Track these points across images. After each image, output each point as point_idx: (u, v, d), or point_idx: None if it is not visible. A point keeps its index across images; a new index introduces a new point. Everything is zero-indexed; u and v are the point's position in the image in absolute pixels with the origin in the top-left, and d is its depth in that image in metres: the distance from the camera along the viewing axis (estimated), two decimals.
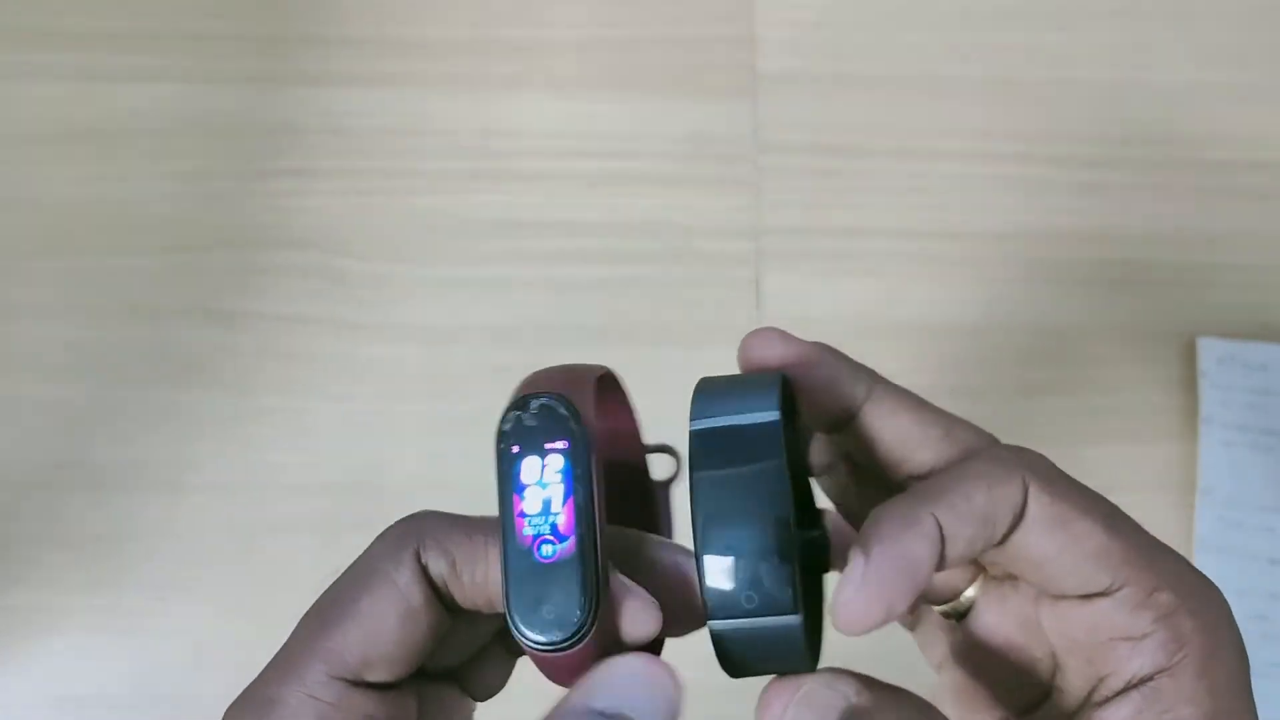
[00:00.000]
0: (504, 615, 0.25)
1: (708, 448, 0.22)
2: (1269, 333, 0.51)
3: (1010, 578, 0.26)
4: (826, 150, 0.53)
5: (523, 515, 0.22)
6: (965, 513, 0.23)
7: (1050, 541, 0.23)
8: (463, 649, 0.26)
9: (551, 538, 0.22)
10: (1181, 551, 0.24)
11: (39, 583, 0.47)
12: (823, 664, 0.24)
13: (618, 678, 0.22)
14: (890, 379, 0.26)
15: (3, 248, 0.51)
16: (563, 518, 0.22)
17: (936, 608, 0.27)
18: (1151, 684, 0.22)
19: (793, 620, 0.22)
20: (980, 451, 0.24)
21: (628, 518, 0.28)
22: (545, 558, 0.22)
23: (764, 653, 0.23)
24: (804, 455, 0.28)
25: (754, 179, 0.53)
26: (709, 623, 0.22)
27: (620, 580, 0.23)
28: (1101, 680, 0.23)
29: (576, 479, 0.22)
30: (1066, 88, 0.54)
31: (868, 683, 0.22)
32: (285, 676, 0.23)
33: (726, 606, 0.22)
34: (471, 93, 0.54)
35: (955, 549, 0.23)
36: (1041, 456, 0.24)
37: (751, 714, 0.25)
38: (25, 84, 0.53)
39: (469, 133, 0.53)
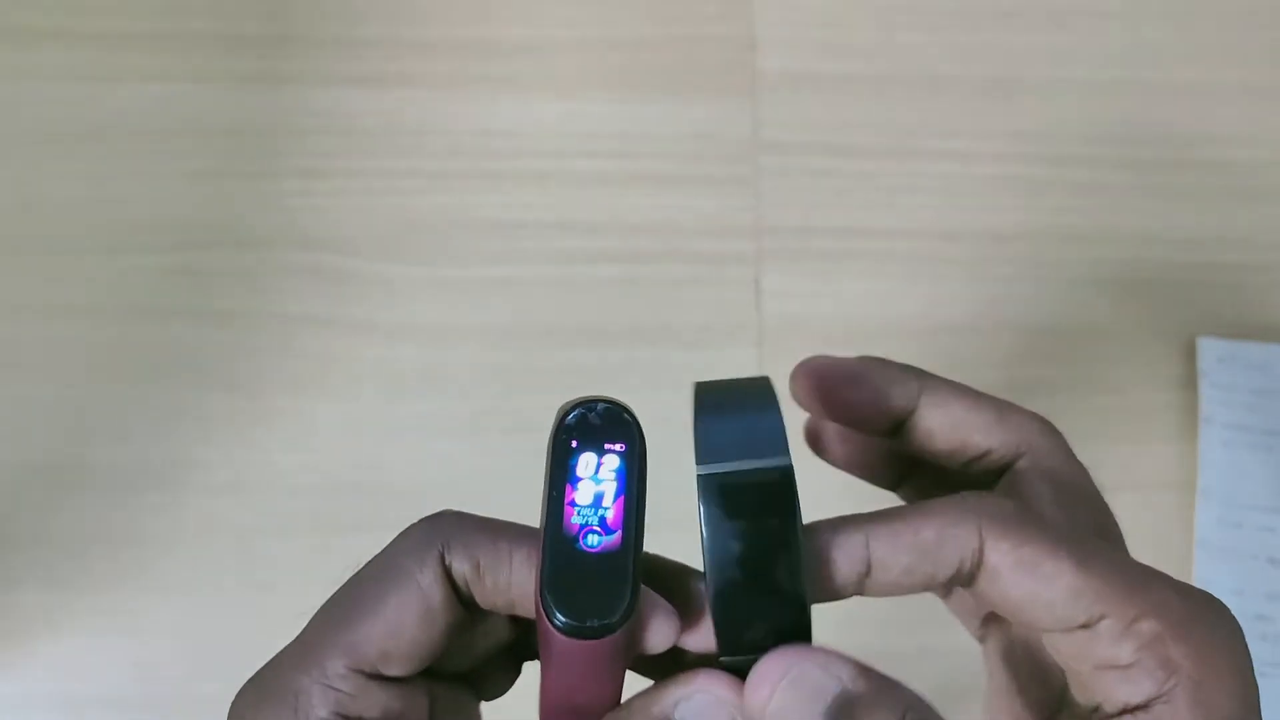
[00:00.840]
0: (514, 620, 0.26)
1: (719, 498, 0.22)
2: (1269, 333, 0.51)
3: None
4: (826, 150, 0.53)
5: (573, 504, 0.22)
6: (908, 544, 0.23)
7: (1017, 586, 0.23)
8: (476, 652, 0.26)
9: (599, 529, 0.22)
10: (1181, 551, 0.24)
11: (39, 583, 0.47)
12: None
13: (698, 694, 0.22)
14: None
15: (3, 248, 0.51)
16: (612, 513, 0.22)
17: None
18: (1148, 711, 0.22)
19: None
20: (946, 497, 0.24)
21: None
22: (590, 547, 0.22)
23: None
24: None
25: (754, 179, 0.53)
26: (721, 659, 0.23)
27: (645, 590, 0.24)
28: (1099, 706, 0.23)
29: (630, 479, 0.23)
30: (1066, 88, 0.54)
31: (864, 670, 0.22)
32: (306, 665, 0.23)
33: (737, 645, 0.22)
34: (471, 93, 0.54)
35: (888, 575, 0.23)
36: (1008, 502, 0.24)
37: None
38: (25, 84, 0.53)
39: (469, 133, 0.53)
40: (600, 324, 0.51)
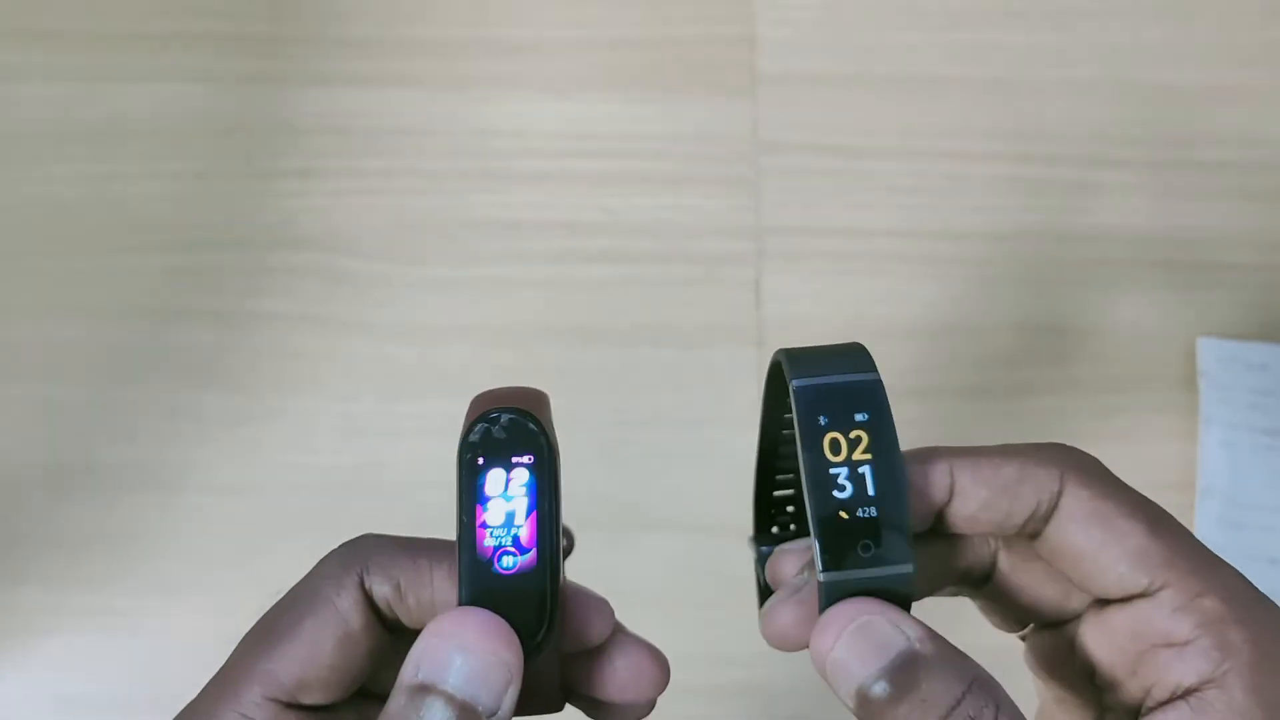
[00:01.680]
0: None
1: (815, 406, 0.23)
2: (1269, 333, 0.51)
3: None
4: (826, 150, 0.53)
5: (485, 526, 0.22)
6: (990, 477, 0.23)
7: (1087, 537, 0.23)
8: None
9: (513, 550, 0.22)
10: None
11: (39, 583, 0.47)
12: None
13: (428, 643, 0.21)
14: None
15: (3, 248, 0.51)
16: (525, 531, 0.22)
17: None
18: (1199, 695, 0.22)
19: (906, 569, 0.22)
20: (1030, 442, 0.24)
21: None
22: (505, 569, 0.22)
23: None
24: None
25: (754, 179, 0.53)
26: (822, 575, 0.22)
27: (570, 584, 0.24)
28: (1147, 692, 0.23)
29: (542, 493, 0.22)
30: (1066, 88, 0.54)
31: (934, 635, 0.22)
32: (222, 695, 0.23)
33: (842, 558, 0.22)
34: (471, 93, 0.54)
35: (967, 506, 0.23)
36: (1092, 457, 0.24)
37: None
38: (25, 84, 0.53)
39: (469, 133, 0.53)
40: (600, 324, 0.51)
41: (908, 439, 0.23)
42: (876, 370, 0.23)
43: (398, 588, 0.23)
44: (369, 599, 0.23)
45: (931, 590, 0.26)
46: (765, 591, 0.30)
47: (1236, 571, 0.23)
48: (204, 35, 0.54)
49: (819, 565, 0.22)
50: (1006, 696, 0.21)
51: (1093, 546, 0.23)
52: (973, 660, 0.22)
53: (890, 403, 0.23)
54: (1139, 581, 0.23)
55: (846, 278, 0.52)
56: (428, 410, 0.50)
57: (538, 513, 0.22)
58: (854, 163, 0.53)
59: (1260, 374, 0.50)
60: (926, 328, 0.51)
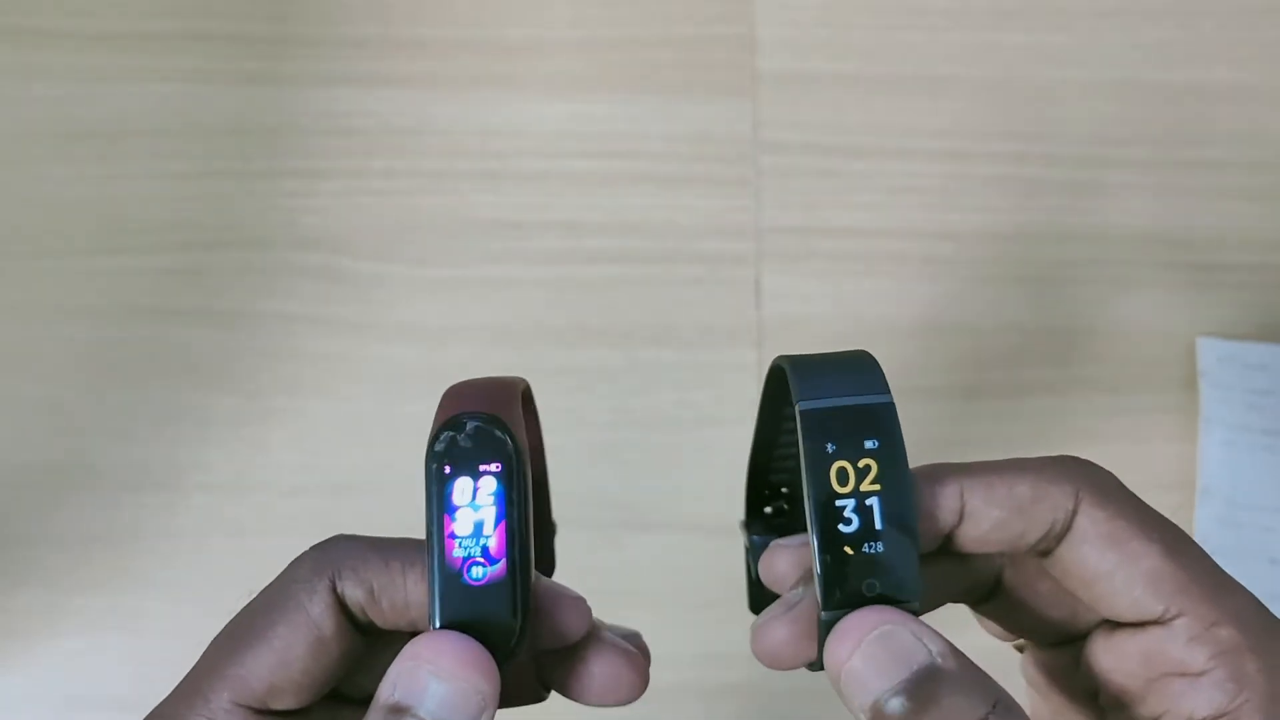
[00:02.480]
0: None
1: (822, 430, 0.22)
2: (1269, 333, 0.51)
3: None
4: (826, 150, 0.53)
5: (453, 537, 0.22)
6: (1003, 498, 0.22)
7: (1101, 559, 0.22)
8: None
9: (482, 560, 0.21)
10: None
11: (39, 583, 0.47)
12: None
13: (404, 665, 0.21)
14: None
15: (3, 248, 0.51)
16: (494, 541, 0.22)
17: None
18: None
19: (913, 608, 0.21)
20: (1045, 456, 0.23)
21: None
22: (475, 580, 0.21)
23: None
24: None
25: (754, 179, 0.53)
26: (823, 613, 0.21)
27: (546, 583, 0.23)
28: (1158, 719, 0.22)
29: (510, 502, 0.22)
30: (1066, 88, 0.54)
31: (956, 651, 0.21)
32: (191, 700, 0.23)
33: (845, 596, 0.21)
34: (471, 93, 0.54)
35: (978, 528, 0.23)
36: (1108, 473, 0.23)
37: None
38: (25, 84, 0.53)
39: (469, 133, 0.53)
40: (600, 324, 0.51)
41: (907, 439, 0.23)
42: (888, 389, 0.22)
43: (370, 591, 0.23)
44: (341, 603, 0.23)
45: (934, 606, 0.25)
46: (755, 582, 0.29)
47: (1251, 596, 0.22)
48: (204, 35, 0.54)
49: (820, 601, 0.21)
50: (1026, 715, 0.21)
51: (1107, 569, 0.22)
52: (995, 681, 0.21)
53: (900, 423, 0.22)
54: (1154, 609, 0.22)
55: (846, 278, 0.52)
56: (428, 410, 0.49)
57: (506, 522, 0.22)
58: (854, 163, 0.53)
59: (1260, 374, 0.50)
60: (926, 328, 0.51)
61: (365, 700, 0.25)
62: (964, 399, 0.50)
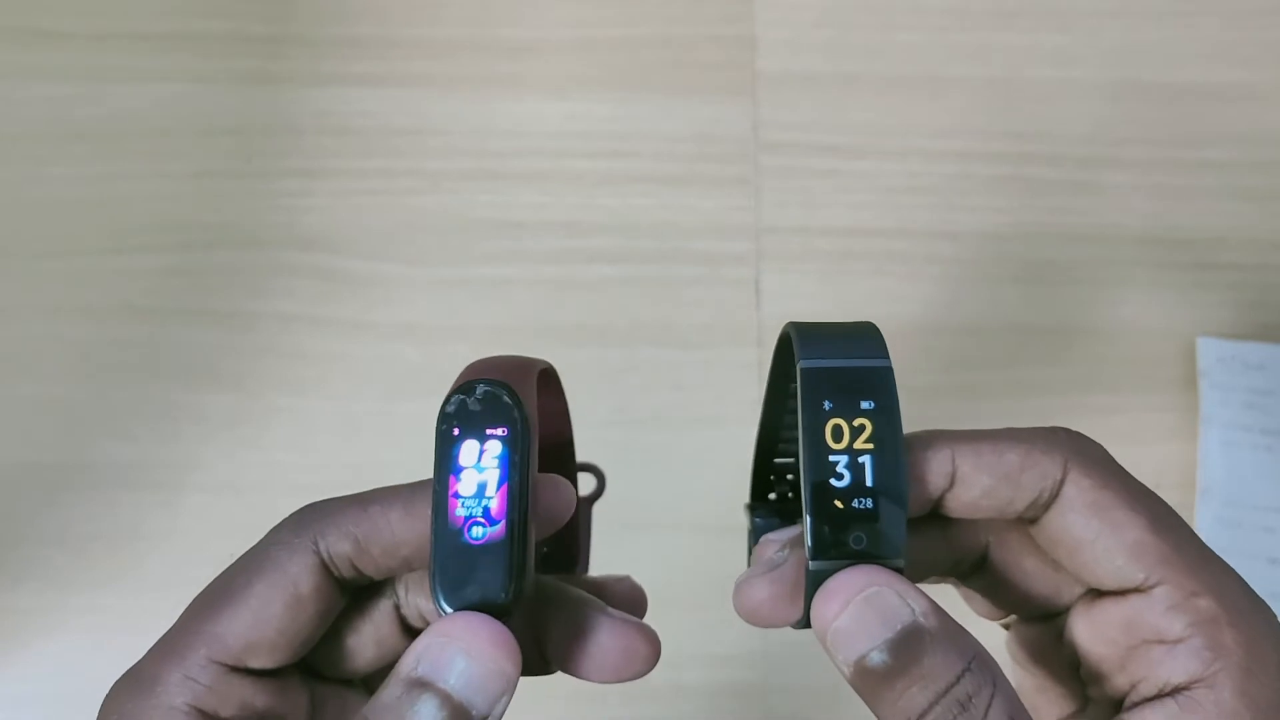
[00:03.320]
0: (408, 628, 0.26)
1: (820, 388, 0.22)
2: (1269, 333, 0.51)
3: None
4: (826, 150, 0.53)
5: (457, 496, 0.22)
6: (992, 464, 0.23)
7: (1086, 527, 0.23)
8: (372, 660, 0.26)
9: (483, 520, 0.22)
10: None
11: (39, 583, 0.47)
12: None
13: (433, 640, 0.21)
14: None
15: (3, 248, 0.51)
16: (496, 502, 0.22)
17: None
18: (1187, 693, 0.22)
19: (898, 564, 0.22)
20: (1036, 427, 0.24)
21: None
22: (475, 539, 0.22)
23: None
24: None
25: (754, 179, 0.53)
26: (810, 563, 0.22)
27: (540, 477, 0.24)
28: (1133, 686, 0.23)
29: (513, 466, 0.22)
30: (1066, 88, 0.54)
31: (937, 608, 0.21)
32: (167, 657, 0.23)
33: (832, 548, 0.22)
34: (471, 93, 0.54)
35: (969, 493, 0.23)
36: (1097, 445, 0.24)
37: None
38: (25, 84, 0.53)
39: (469, 133, 0.53)
40: (600, 324, 0.51)
41: (907, 435, 0.23)
42: (888, 355, 0.23)
43: (356, 541, 0.23)
44: (322, 563, 0.23)
45: (919, 579, 0.25)
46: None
47: (1234, 572, 0.23)
48: (204, 35, 0.54)
49: (808, 552, 0.22)
50: (1004, 676, 0.21)
51: (1090, 537, 0.23)
52: (973, 637, 0.21)
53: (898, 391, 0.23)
54: (1135, 576, 0.22)
55: (846, 278, 0.52)
56: (428, 410, 0.49)
57: (508, 485, 0.22)
58: (854, 163, 0.53)
59: (1259, 374, 0.50)
60: (926, 327, 0.51)
61: (339, 679, 0.25)
62: (963, 399, 0.50)
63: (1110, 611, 0.23)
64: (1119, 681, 0.23)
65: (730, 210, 0.52)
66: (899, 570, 0.22)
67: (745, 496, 0.31)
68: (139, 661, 0.24)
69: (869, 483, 0.22)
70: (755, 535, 0.29)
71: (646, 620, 0.26)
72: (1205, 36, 0.55)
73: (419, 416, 0.50)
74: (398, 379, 0.50)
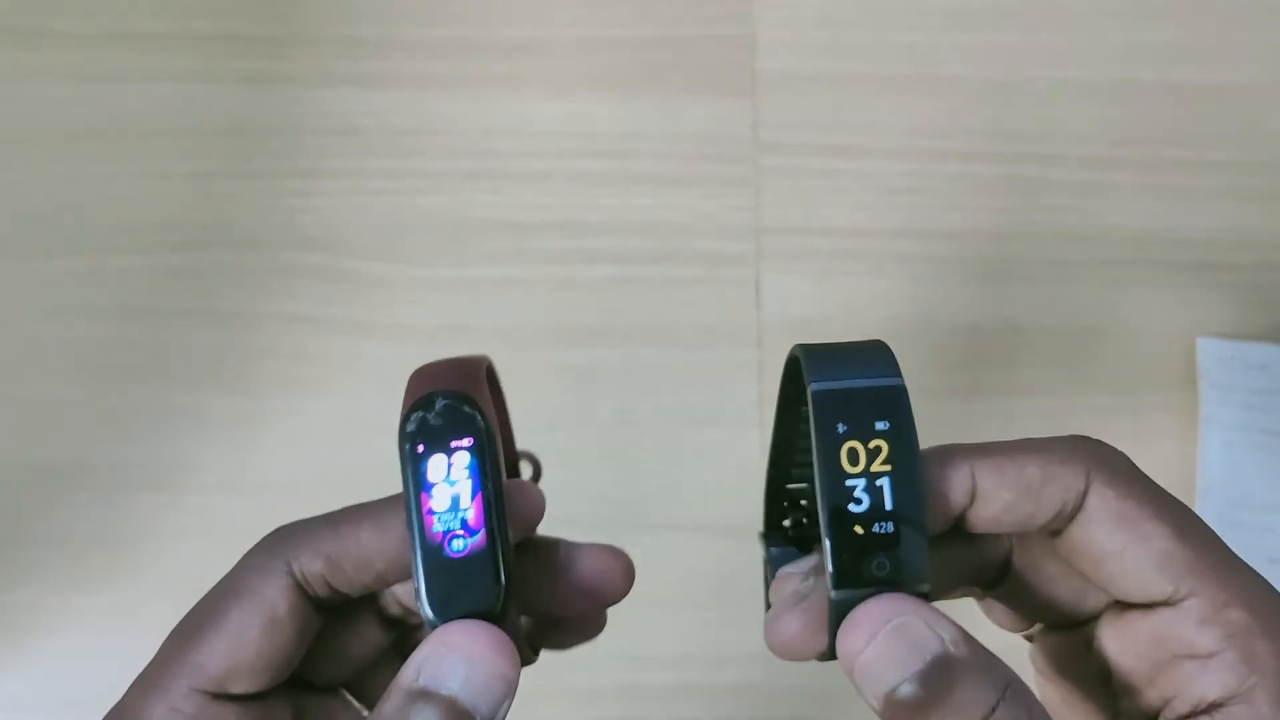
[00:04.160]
0: (395, 621, 0.26)
1: (833, 412, 0.22)
2: (1269, 333, 0.51)
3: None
4: (826, 150, 0.53)
5: (431, 513, 0.22)
6: (1014, 479, 0.22)
7: (1111, 539, 0.22)
8: (351, 660, 0.26)
9: (462, 532, 0.22)
10: None
11: (39, 583, 0.47)
12: None
13: (433, 650, 0.21)
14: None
15: (3, 248, 0.51)
16: (472, 513, 0.22)
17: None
18: (1224, 710, 0.21)
19: (923, 589, 0.21)
20: (1056, 436, 0.23)
21: None
22: (457, 552, 0.22)
23: None
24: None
25: (754, 179, 0.53)
26: (833, 593, 0.21)
27: (511, 484, 0.24)
28: (1166, 703, 0.22)
29: (484, 475, 0.22)
30: (1066, 88, 0.54)
31: (967, 637, 0.21)
32: (149, 690, 0.23)
33: (854, 576, 0.21)
34: (471, 93, 0.54)
35: (990, 509, 0.23)
36: (1119, 453, 0.23)
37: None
38: (25, 84, 0.53)
39: (469, 133, 0.53)
40: (600, 324, 0.51)
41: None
42: (900, 374, 0.22)
43: (328, 559, 0.23)
44: (297, 584, 0.23)
45: (942, 594, 0.25)
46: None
47: (1261, 578, 0.22)
48: (204, 35, 0.54)
49: (830, 582, 0.21)
50: (1039, 705, 0.21)
51: (1117, 549, 0.22)
52: (1005, 665, 0.21)
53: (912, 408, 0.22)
54: (1164, 589, 0.22)
55: (846, 278, 0.52)
56: None
57: (482, 494, 0.22)
58: (854, 163, 0.53)
59: (1260, 374, 0.50)
60: (926, 328, 0.51)
61: (327, 687, 0.25)
62: (964, 399, 0.50)
63: (1138, 625, 0.23)
64: (1150, 697, 0.23)
65: (730, 210, 0.52)
66: (925, 595, 0.21)
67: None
68: (122, 698, 0.24)
69: (888, 506, 0.21)
70: (773, 566, 0.28)
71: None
72: (1205, 36, 0.55)
73: None
74: (398, 379, 0.50)
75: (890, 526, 0.21)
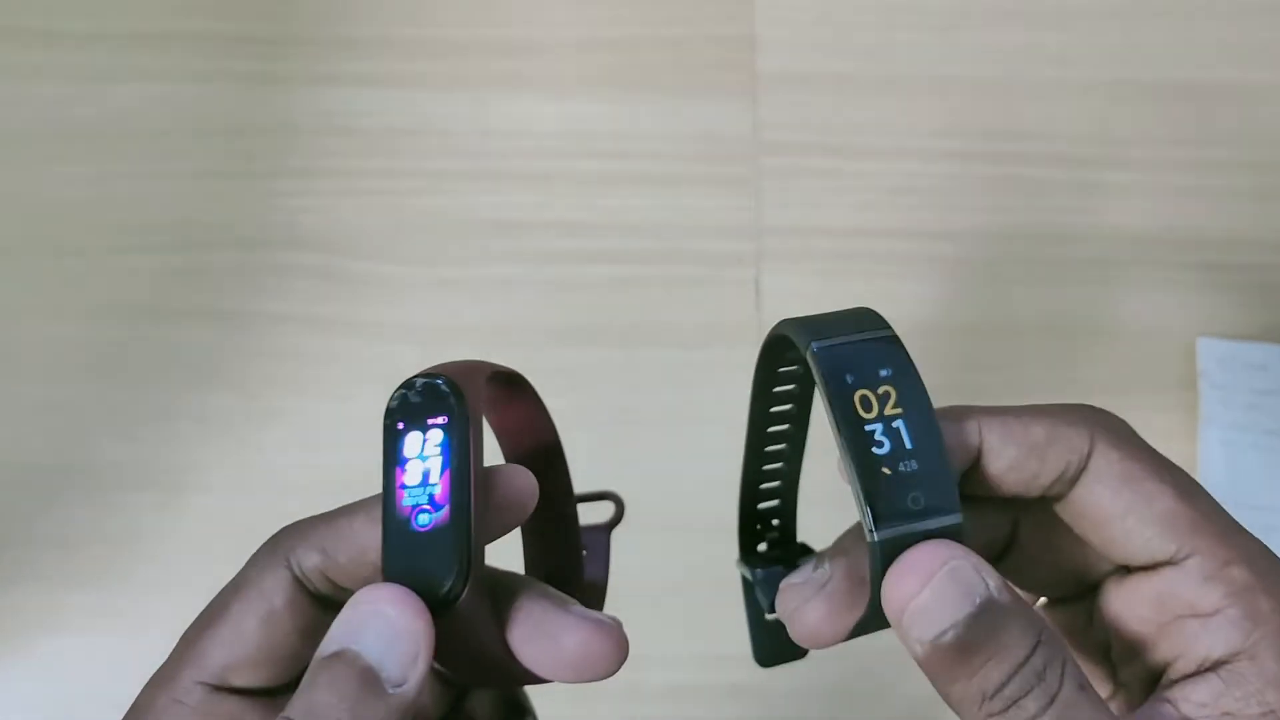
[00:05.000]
0: None
1: (837, 365, 0.22)
2: (1269, 333, 0.51)
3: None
4: (826, 150, 0.53)
5: (403, 487, 0.22)
6: (1019, 437, 0.23)
7: (1115, 499, 0.22)
8: None
9: (428, 507, 0.22)
10: None
11: (39, 583, 0.47)
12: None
13: (345, 612, 0.22)
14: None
15: (3, 248, 0.51)
16: (439, 488, 0.22)
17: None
18: (1230, 667, 0.21)
19: (955, 519, 0.22)
20: (1061, 403, 0.24)
21: (546, 541, 0.29)
22: (421, 526, 0.22)
23: None
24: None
25: (754, 179, 0.53)
26: (875, 533, 0.21)
27: (492, 470, 0.24)
28: (1170, 664, 0.23)
29: (453, 451, 0.22)
30: (1066, 88, 0.54)
31: (1007, 584, 0.21)
32: (158, 684, 0.23)
33: (892, 513, 0.21)
34: (471, 93, 0.54)
35: (995, 464, 0.23)
36: (1122, 421, 0.24)
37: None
38: (25, 84, 0.53)
39: (469, 133, 0.53)
40: (600, 324, 0.51)
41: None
42: (890, 327, 0.23)
43: (324, 552, 0.24)
44: (295, 578, 0.24)
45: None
46: (757, 615, 0.29)
47: (1259, 540, 0.23)
48: (204, 35, 0.54)
49: (870, 524, 0.21)
50: (1070, 651, 0.21)
51: (1120, 509, 0.22)
52: (1037, 612, 0.21)
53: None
54: (1167, 548, 0.22)
55: (846, 278, 0.52)
56: None
57: (450, 471, 0.22)
58: (854, 163, 0.53)
59: (1260, 374, 0.50)
60: (926, 328, 0.51)
61: None
62: (963, 399, 0.50)
63: (1141, 588, 0.23)
64: (1152, 660, 0.23)
65: (730, 210, 0.52)
66: (960, 526, 0.21)
67: (738, 530, 0.31)
68: (139, 693, 0.24)
69: (908, 445, 0.22)
70: (764, 586, 0.29)
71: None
72: (1205, 36, 0.55)
73: None
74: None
75: (914, 463, 0.22)
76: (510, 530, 0.24)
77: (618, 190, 0.52)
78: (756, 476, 0.29)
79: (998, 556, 0.26)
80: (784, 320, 0.24)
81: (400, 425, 0.23)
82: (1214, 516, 0.22)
